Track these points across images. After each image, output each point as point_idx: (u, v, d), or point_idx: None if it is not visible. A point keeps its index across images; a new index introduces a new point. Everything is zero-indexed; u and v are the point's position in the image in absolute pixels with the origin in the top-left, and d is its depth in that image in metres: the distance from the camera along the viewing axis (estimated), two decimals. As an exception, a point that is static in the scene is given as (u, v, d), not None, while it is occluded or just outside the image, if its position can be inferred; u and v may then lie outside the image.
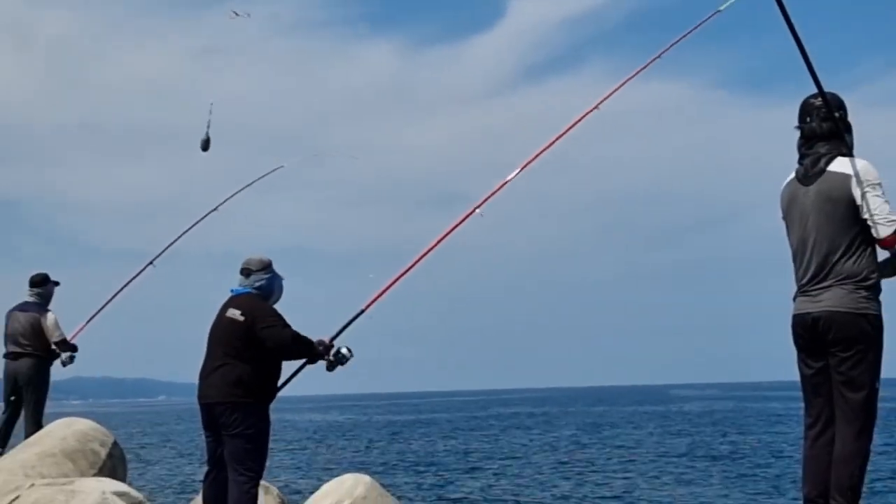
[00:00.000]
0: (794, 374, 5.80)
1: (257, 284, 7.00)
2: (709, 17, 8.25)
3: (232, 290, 7.06)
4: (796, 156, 5.74)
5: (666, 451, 35.01)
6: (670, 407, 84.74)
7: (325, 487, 8.33)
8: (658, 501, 21.06)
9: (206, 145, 7.72)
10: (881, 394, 5.56)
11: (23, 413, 11.62)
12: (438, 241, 7.72)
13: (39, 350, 11.56)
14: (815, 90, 5.59)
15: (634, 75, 8.13)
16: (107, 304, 12.07)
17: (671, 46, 8.18)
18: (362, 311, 7.40)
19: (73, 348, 11.77)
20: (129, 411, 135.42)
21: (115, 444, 10.01)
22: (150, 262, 11.91)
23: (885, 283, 5.56)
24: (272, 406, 6.98)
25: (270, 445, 6.95)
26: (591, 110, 8.10)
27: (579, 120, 8.12)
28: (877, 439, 5.75)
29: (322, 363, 7.06)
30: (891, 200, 5.37)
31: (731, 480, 24.82)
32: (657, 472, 27.30)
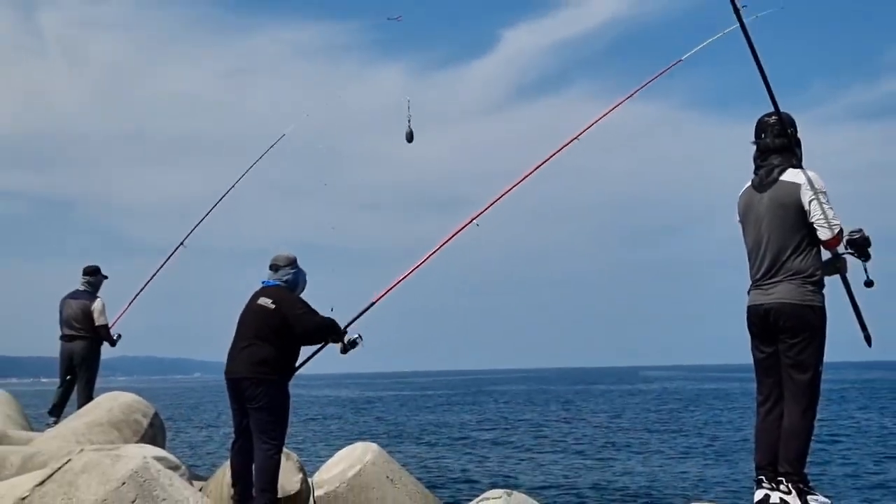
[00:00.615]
0: (747, 358, 5.81)
1: (285, 278, 7.03)
2: (671, 66, 8.36)
3: (262, 282, 7.07)
4: (751, 168, 5.76)
5: (634, 424, 34.99)
6: (640, 386, 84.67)
7: (338, 454, 8.31)
8: (626, 468, 21.02)
9: (410, 137, 7.57)
10: (824, 376, 5.57)
11: (76, 387, 11.63)
12: (440, 247, 7.78)
13: (91, 333, 11.57)
14: (769, 110, 5.62)
15: (608, 112, 8.21)
16: (146, 285, 12.12)
17: (637, 91, 8.28)
18: (372, 304, 7.41)
19: (111, 339, 11.75)
20: (168, 386, 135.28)
21: (155, 415, 9.99)
22: (181, 243, 12.00)
23: (829, 280, 5.57)
24: (291, 383, 6.98)
25: (290, 418, 6.92)
26: (572, 140, 8.16)
27: (561, 149, 8.18)
28: (820, 414, 5.73)
29: (336, 346, 7.07)
30: (834, 207, 5.39)
31: (691, 450, 24.80)
32: (627, 442, 27.27)
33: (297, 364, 7.00)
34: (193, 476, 8.35)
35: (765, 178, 5.59)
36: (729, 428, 31.79)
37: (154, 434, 9.72)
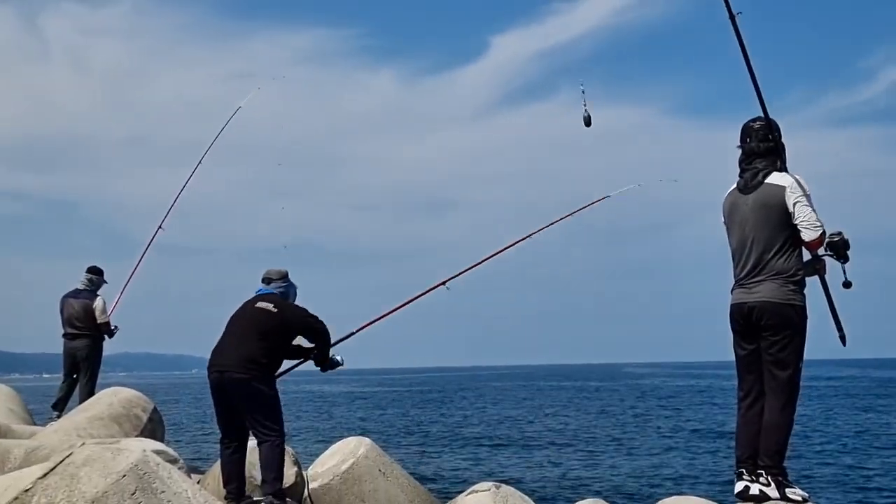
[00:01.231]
0: (729, 355, 5.83)
1: (278, 290, 7.06)
2: (598, 201, 8.69)
3: (258, 291, 7.07)
4: (730, 173, 5.83)
5: (618, 420, 35.06)
6: (624, 382, 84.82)
7: (332, 448, 8.29)
8: (610, 463, 21.07)
9: (588, 121, 7.51)
10: (804, 373, 5.59)
11: (79, 384, 11.62)
12: (409, 302, 8.10)
13: (93, 331, 11.56)
14: (752, 116, 5.66)
15: (526, 238, 8.53)
16: (133, 273, 12.13)
17: (555, 223, 8.57)
18: (352, 334, 7.68)
19: (111, 332, 11.76)
20: (167, 382, 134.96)
21: (154, 409, 9.96)
22: (160, 226, 12.07)
23: (807, 281, 5.59)
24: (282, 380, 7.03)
25: (284, 414, 6.90)
26: (524, 239, 8.51)
27: (513, 244, 8.50)
28: (799, 410, 5.75)
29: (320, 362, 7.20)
30: (817, 209, 5.42)
31: (673, 444, 24.86)
32: (611, 437, 27.33)
33: (281, 365, 7.01)
34: (191, 469, 8.34)
35: (750, 180, 5.61)
36: (710, 423, 31.86)
37: (153, 428, 9.70)
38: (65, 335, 11.65)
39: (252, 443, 6.77)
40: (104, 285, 11.89)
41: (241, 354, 6.56)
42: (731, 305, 5.68)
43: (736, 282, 5.67)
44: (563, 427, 31.47)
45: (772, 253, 5.46)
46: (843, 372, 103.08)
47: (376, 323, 7.96)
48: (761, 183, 5.53)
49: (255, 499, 6.63)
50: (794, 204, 5.39)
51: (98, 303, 11.54)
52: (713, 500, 7.28)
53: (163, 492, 4.98)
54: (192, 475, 7.46)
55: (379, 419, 38.15)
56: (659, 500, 7.36)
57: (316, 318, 6.96)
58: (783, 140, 5.66)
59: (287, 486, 6.99)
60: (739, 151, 5.74)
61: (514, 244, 8.56)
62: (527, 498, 7.01)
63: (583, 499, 7.85)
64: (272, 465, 6.49)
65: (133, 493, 4.84)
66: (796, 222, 5.40)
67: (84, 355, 11.54)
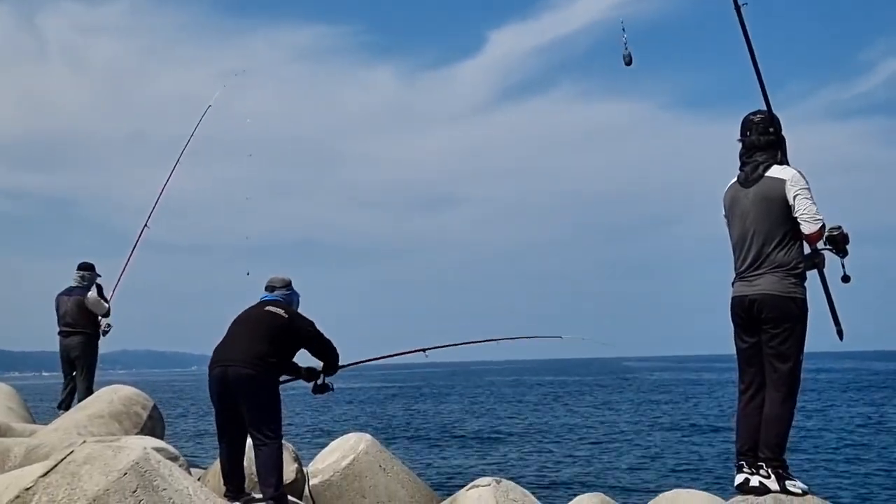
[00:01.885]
0: (730, 348, 5.83)
1: (281, 298, 7.04)
2: (550, 337, 9.17)
3: (262, 297, 7.05)
4: (730, 166, 5.81)
5: (617, 414, 35.11)
6: (623, 376, 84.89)
7: (332, 444, 8.31)
8: (610, 456, 21.09)
9: (629, 60, 7.42)
10: (804, 365, 5.60)
11: (76, 381, 11.59)
12: (386, 357, 8.43)
13: (88, 328, 11.52)
14: (752, 109, 5.67)
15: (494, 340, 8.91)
16: (124, 269, 12.05)
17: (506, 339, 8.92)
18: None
19: (106, 330, 11.72)
20: (167, 379, 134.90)
21: (154, 407, 9.95)
22: (145, 224, 12.06)
23: (810, 275, 5.60)
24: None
25: (284, 410, 6.89)
26: (494, 340, 8.91)
27: (486, 341, 8.91)
28: (799, 403, 5.76)
29: (306, 384, 7.28)
30: (817, 202, 5.42)
31: (673, 437, 24.90)
32: (611, 431, 27.37)
33: (285, 369, 7.00)
34: (192, 466, 8.34)
35: (750, 174, 5.61)
36: (710, 416, 31.92)
37: (153, 426, 9.69)
38: (60, 333, 11.63)
39: (249, 443, 6.73)
40: (98, 279, 11.85)
41: (250, 351, 6.54)
42: (732, 298, 5.68)
43: (737, 275, 5.67)
44: (563, 422, 31.49)
45: (772, 246, 5.46)
46: (842, 364, 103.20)
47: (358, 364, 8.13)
48: (762, 176, 5.53)
49: (254, 496, 6.63)
50: (795, 197, 5.39)
51: (91, 296, 11.48)
52: (713, 493, 7.30)
53: (164, 489, 4.99)
54: (192, 472, 7.47)
55: (378, 415, 38.18)
56: (660, 493, 7.38)
57: (320, 333, 6.95)
58: (783, 133, 5.66)
59: (287, 482, 6.99)
60: (740, 145, 5.74)
61: (486, 341, 8.97)
62: (527, 493, 7.02)
63: (583, 493, 7.87)
64: (272, 470, 6.46)
65: (134, 491, 4.85)
66: (796, 215, 5.40)
67: (78, 353, 11.51)
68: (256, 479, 6.72)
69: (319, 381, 7.20)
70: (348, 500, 7.65)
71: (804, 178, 5.44)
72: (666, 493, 7.37)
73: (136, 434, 8.80)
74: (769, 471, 5.44)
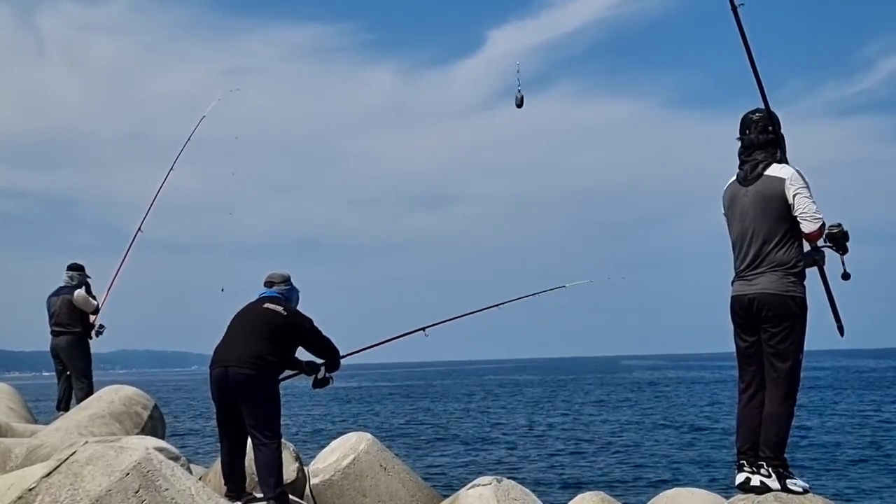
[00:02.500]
0: (729, 347, 5.84)
1: (280, 294, 7.02)
2: (554, 288, 8.95)
3: (260, 294, 7.03)
4: (730, 164, 5.80)
5: (616, 412, 35.12)
6: (621, 375, 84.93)
7: (333, 444, 8.31)
8: (610, 455, 21.10)
9: (520, 103, 7.47)
10: (804, 364, 5.61)
11: (72, 383, 11.59)
12: (387, 341, 8.38)
13: (76, 327, 11.51)
14: (752, 107, 5.66)
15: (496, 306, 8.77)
16: (117, 272, 12.05)
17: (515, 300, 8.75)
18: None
19: (99, 331, 11.70)
20: (167, 379, 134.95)
21: (155, 407, 9.96)
22: (139, 229, 12.07)
23: (807, 272, 5.60)
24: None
25: (284, 410, 6.89)
26: (495, 306, 8.76)
27: (485, 308, 8.75)
28: (799, 401, 5.77)
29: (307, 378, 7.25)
30: (816, 201, 5.42)
31: (673, 436, 24.91)
32: (610, 429, 27.38)
33: (285, 367, 6.99)
34: (192, 465, 8.34)
35: (749, 172, 5.60)
36: (710, 415, 31.93)
37: (154, 425, 9.70)
38: (51, 333, 11.65)
39: (250, 442, 6.73)
40: (88, 280, 11.85)
41: (249, 351, 6.53)
42: (732, 297, 5.68)
43: (736, 274, 5.67)
44: (563, 420, 31.51)
45: (772, 245, 5.46)
46: (842, 362, 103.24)
47: (361, 352, 8.12)
48: (761, 175, 5.53)
49: (255, 495, 6.63)
50: (794, 196, 5.39)
51: (78, 295, 11.47)
52: (714, 492, 7.31)
53: (166, 489, 5.00)
54: (193, 472, 7.47)
55: (379, 414, 38.20)
56: (660, 491, 7.39)
57: (319, 331, 6.94)
58: (783, 131, 5.66)
59: (288, 482, 6.99)
60: (739, 143, 5.74)
61: (486, 308, 8.83)
62: (528, 491, 7.02)
63: (584, 491, 7.87)
64: (271, 470, 6.47)
65: (137, 491, 4.85)
66: (796, 214, 5.40)
67: (66, 352, 11.51)
68: (257, 479, 6.74)
69: (320, 375, 7.17)
70: (349, 499, 7.66)
71: (803, 176, 5.44)
72: (666, 491, 7.38)
73: (138, 434, 8.80)
74: (770, 470, 5.45)
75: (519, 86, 7.35)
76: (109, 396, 9.78)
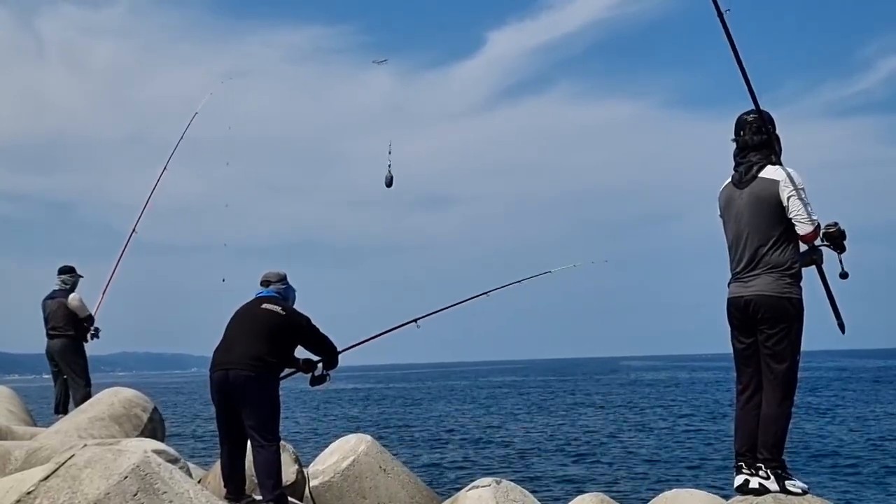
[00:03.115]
0: (727, 348, 5.83)
1: (277, 293, 7.01)
2: (540, 274, 9.11)
3: (258, 294, 7.02)
4: (727, 165, 5.80)
5: (616, 414, 35.11)
6: (620, 376, 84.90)
7: (332, 446, 8.30)
8: (609, 456, 21.09)
9: (390, 182, 7.61)
10: (801, 364, 5.60)
11: (69, 386, 11.58)
12: (380, 335, 8.30)
13: (70, 330, 11.51)
14: (748, 108, 5.63)
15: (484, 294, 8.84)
16: (113, 273, 12.09)
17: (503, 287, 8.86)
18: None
19: (95, 334, 11.70)
20: (167, 381, 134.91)
21: (154, 409, 9.94)
22: (133, 230, 12.10)
23: (805, 271, 5.59)
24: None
25: (283, 412, 6.88)
26: (483, 294, 8.87)
27: (475, 297, 8.86)
28: (797, 402, 5.76)
29: (304, 376, 7.21)
30: (811, 202, 5.42)
31: (672, 437, 24.89)
32: (609, 431, 27.37)
33: (285, 368, 6.97)
34: (192, 468, 8.33)
35: (744, 174, 5.60)
36: (709, 416, 31.91)
37: (154, 428, 9.69)
38: (46, 336, 11.66)
39: (250, 445, 6.71)
40: (80, 280, 11.85)
41: (249, 353, 6.52)
42: (728, 299, 5.68)
43: (732, 276, 5.67)
44: (562, 422, 31.50)
45: (767, 246, 5.46)
46: (842, 362, 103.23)
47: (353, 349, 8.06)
48: (755, 177, 5.52)
49: (254, 498, 6.62)
50: (788, 198, 5.39)
51: (73, 299, 11.47)
52: (713, 494, 7.30)
53: (165, 492, 4.99)
54: (193, 474, 7.46)
55: (378, 415, 38.18)
56: (660, 493, 7.37)
57: (317, 328, 6.91)
58: (778, 132, 5.66)
59: (288, 484, 6.99)
60: (734, 145, 5.73)
61: (475, 297, 8.91)
62: (528, 493, 7.02)
63: (584, 493, 7.87)
64: (271, 472, 6.46)
65: (135, 494, 4.84)
66: (790, 216, 5.40)
67: (60, 355, 11.52)
68: (256, 481, 6.73)
69: (317, 373, 7.14)
70: (349, 501, 7.65)
71: (798, 178, 5.43)
72: (666, 492, 7.36)
73: (137, 436, 8.79)
74: (768, 471, 5.45)
75: (389, 165, 7.53)
76: (109, 399, 9.77)
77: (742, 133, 5.65)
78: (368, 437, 8.19)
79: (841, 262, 5.58)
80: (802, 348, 5.54)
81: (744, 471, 5.55)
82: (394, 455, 8.45)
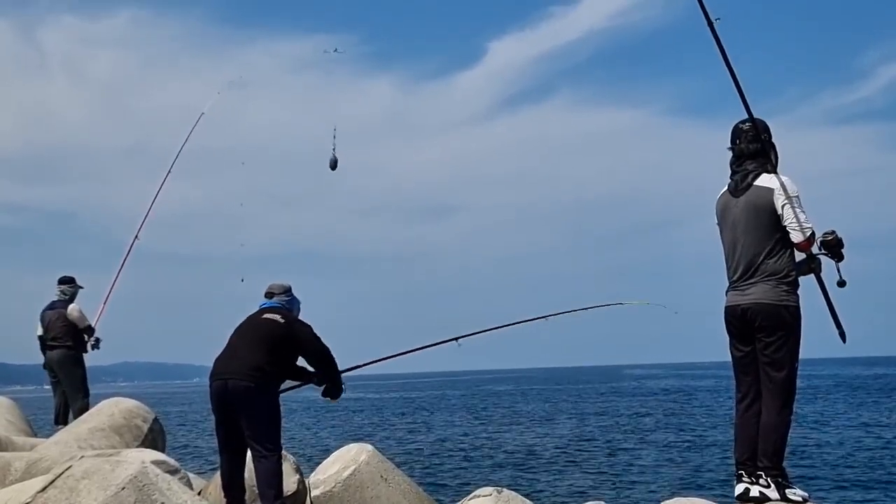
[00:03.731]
0: (725, 356, 5.82)
1: (281, 304, 7.00)
2: (612, 304, 8.54)
3: (262, 305, 7.01)
4: (726, 173, 5.78)
5: (618, 422, 35.03)
6: (624, 384, 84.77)
7: (333, 455, 8.27)
8: (611, 465, 21.05)
9: (334, 165, 7.54)
10: (800, 372, 5.59)
11: (67, 397, 11.56)
12: (419, 349, 8.13)
13: (69, 341, 11.49)
14: (745, 117, 5.61)
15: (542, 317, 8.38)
16: (114, 283, 12.06)
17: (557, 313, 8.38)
18: (356, 367, 7.59)
19: (95, 344, 11.69)
20: (168, 391, 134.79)
21: (155, 419, 9.92)
22: (136, 236, 12.11)
23: (804, 280, 5.58)
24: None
25: (284, 421, 6.85)
26: (542, 318, 8.41)
27: (532, 320, 8.42)
28: (797, 410, 5.74)
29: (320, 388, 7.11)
30: (806, 210, 5.42)
31: (673, 445, 24.84)
32: (611, 439, 27.31)
33: (286, 378, 6.93)
34: (193, 479, 8.30)
35: (740, 182, 5.61)
36: (710, 424, 31.84)
37: (154, 438, 9.66)
38: (47, 347, 11.64)
39: (250, 455, 6.68)
40: (80, 290, 11.83)
41: (248, 363, 6.50)
42: (725, 308, 5.68)
43: (729, 284, 5.67)
44: (564, 430, 31.44)
45: (763, 255, 5.46)
46: (843, 370, 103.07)
47: (377, 362, 8.01)
48: (751, 185, 5.53)
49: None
50: (783, 206, 5.39)
51: (72, 310, 11.46)
52: (714, 503, 7.27)
53: (162, 503, 4.97)
54: (194, 485, 7.44)
55: (379, 425, 38.11)
56: (660, 502, 7.35)
57: (319, 339, 6.86)
58: (774, 140, 5.66)
59: (289, 494, 6.96)
60: (730, 154, 5.73)
61: (532, 319, 8.50)
62: (528, 502, 6.99)
63: (585, 502, 7.84)
64: (271, 482, 6.43)
65: (133, 505, 4.83)
66: (785, 224, 5.40)
67: (59, 366, 11.50)
68: (256, 492, 6.70)
69: (334, 385, 7.03)
70: (349, 511, 7.62)
71: (792, 186, 5.43)
72: (667, 501, 7.33)
73: (137, 447, 8.76)
74: (769, 480, 5.44)
75: (334, 148, 7.47)
76: (109, 409, 9.75)
77: (738, 141, 5.67)
78: (370, 447, 8.16)
79: (839, 270, 5.57)
80: (803, 356, 5.53)
81: (744, 479, 5.54)
82: (395, 464, 8.41)
